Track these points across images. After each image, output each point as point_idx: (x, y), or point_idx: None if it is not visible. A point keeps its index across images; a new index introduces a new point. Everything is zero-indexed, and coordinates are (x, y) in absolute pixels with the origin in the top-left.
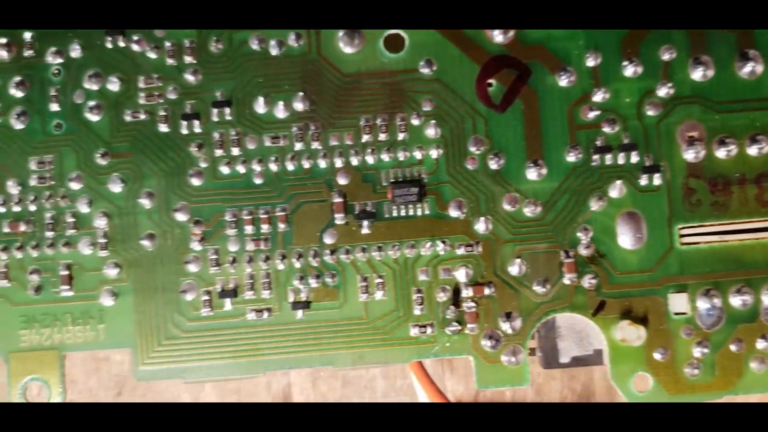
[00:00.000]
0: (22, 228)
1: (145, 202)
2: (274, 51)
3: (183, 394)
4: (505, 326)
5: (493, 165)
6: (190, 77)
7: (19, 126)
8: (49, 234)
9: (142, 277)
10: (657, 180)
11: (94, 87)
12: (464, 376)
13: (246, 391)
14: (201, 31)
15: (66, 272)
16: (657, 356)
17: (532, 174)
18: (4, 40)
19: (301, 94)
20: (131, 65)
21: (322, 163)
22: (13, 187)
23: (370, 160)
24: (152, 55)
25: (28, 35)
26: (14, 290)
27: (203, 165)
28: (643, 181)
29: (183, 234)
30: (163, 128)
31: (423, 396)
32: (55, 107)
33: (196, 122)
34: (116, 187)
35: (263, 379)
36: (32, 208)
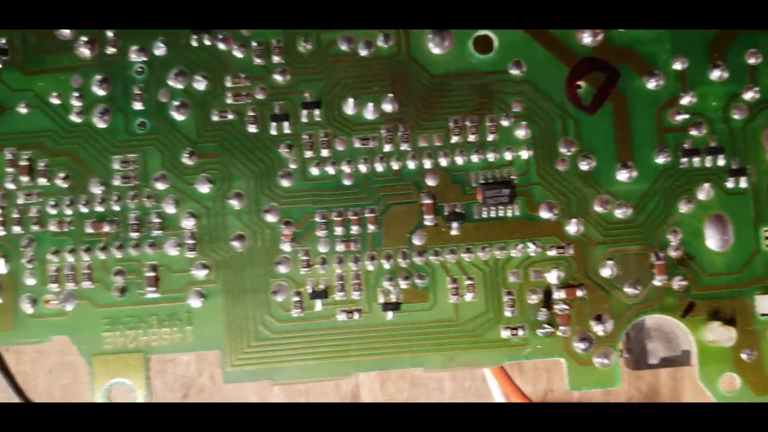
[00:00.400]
0: (106, 229)
1: (234, 203)
2: (363, 52)
3: (250, 395)
4: (597, 328)
5: (583, 166)
6: (278, 77)
7: (101, 125)
8: (134, 235)
9: (232, 279)
10: (743, 183)
11: (179, 86)
12: (532, 378)
13: (314, 392)
14: (288, 31)
15: (152, 273)
16: (744, 357)
17: (622, 176)
18: (86, 38)
19: (390, 95)
20: (217, 64)
21: (411, 165)
22: (95, 187)
23: (459, 161)
24: (239, 54)
25: (110, 33)
26: (98, 292)
27: (292, 166)
28: (730, 183)
29: (273, 235)
30: (252, 129)
31: (500, 399)
32: (138, 106)
33: (286, 123)
34: (204, 188)
35: (332, 380)
36: (116, 208)
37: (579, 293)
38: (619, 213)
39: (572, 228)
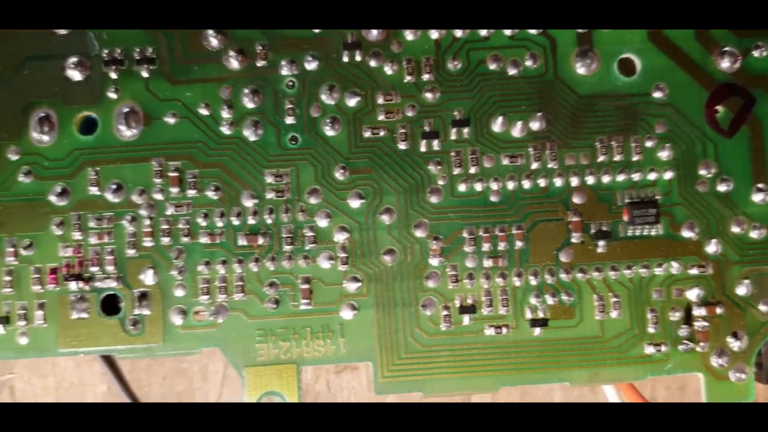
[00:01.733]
0: (260, 241)
1: (385, 218)
2: (511, 71)
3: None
4: (733, 344)
5: (721, 188)
6: (428, 95)
7: (253, 138)
8: (287, 247)
9: (383, 292)
10: None
11: (331, 101)
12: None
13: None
14: (439, 49)
15: (306, 286)
16: None
17: (757, 197)
18: (234, 50)
19: (539, 114)
20: (368, 80)
21: (558, 182)
22: (248, 200)
23: (605, 179)
24: (389, 71)
25: (259, 46)
26: (250, 303)
27: (441, 182)
28: None
29: (422, 250)
30: (402, 146)
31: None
32: (290, 120)
33: (435, 141)
34: (355, 203)
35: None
36: (269, 221)
37: (718, 311)
38: (754, 234)
39: (711, 248)
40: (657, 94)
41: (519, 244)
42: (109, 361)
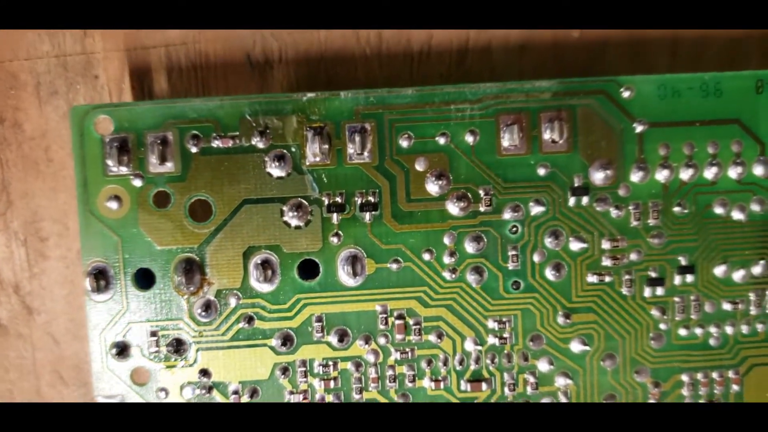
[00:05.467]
0: (483, 387)
1: (607, 364)
2: (736, 216)
3: None
4: None
5: None
6: (654, 240)
7: (475, 284)
8: (509, 393)
9: None
10: None
11: (555, 247)
12: None
13: None
14: (668, 196)
15: None
16: None
17: None
18: (456, 196)
19: (762, 261)
20: (593, 224)
21: None
22: (471, 345)
23: None
24: (615, 215)
25: (481, 191)
26: None
27: (663, 327)
28: None
29: (642, 394)
30: (625, 291)
31: None
32: (513, 266)
33: (659, 288)
34: (577, 348)
35: None
36: (491, 367)
37: None
38: None
39: None
40: None
41: (735, 387)
42: None
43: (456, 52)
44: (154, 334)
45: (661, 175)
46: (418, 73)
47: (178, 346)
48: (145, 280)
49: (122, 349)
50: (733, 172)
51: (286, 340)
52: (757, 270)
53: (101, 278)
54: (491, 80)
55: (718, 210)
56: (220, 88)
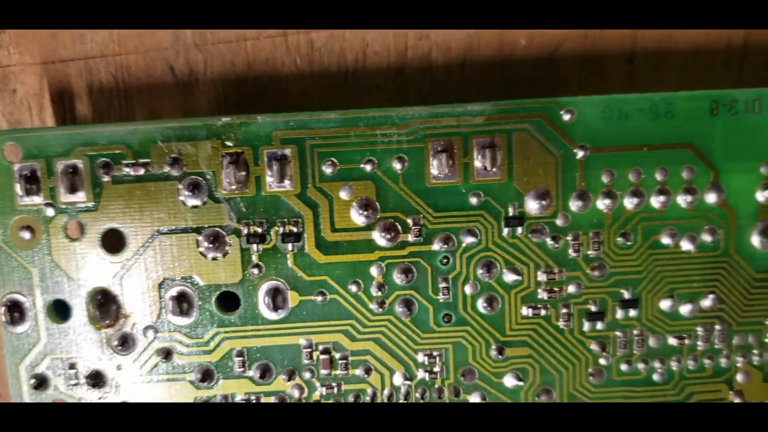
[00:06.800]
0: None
1: (543, 398)
2: (685, 246)
3: None
4: None
5: None
6: (594, 273)
7: (404, 317)
8: None
9: None
10: None
11: (488, 279)
12: None
13: None
14: (611, 226)
15: None
16: None
17: None
18: (383, 226)
19: (712, 295)
20: (530, 256)
21: (724, 363)
22: (400, 380)
23: None
24: (551, 247)
25: (410, 220)
26: None
27: (603, 362)
28: None
29: None
30: (561, 324)
31: None
32: (444, 298)
33: (599, 322)
34: (511, 383)
35: None
36: (421, 402)
37: None
38: None
39: None
40: None
41: None
42: None
43: (394, 62)
44: (72, 366)
45: (603, 204)
46: (354, 84)
47: (97, 379)
48: (63, 311)
49: (41, 382)
50: (683, 201)
51: (206, 375)
52: (706, 303)
53: (15, 310)
54: (431, 91)
55: (666, 240)
56: (143, 102)
